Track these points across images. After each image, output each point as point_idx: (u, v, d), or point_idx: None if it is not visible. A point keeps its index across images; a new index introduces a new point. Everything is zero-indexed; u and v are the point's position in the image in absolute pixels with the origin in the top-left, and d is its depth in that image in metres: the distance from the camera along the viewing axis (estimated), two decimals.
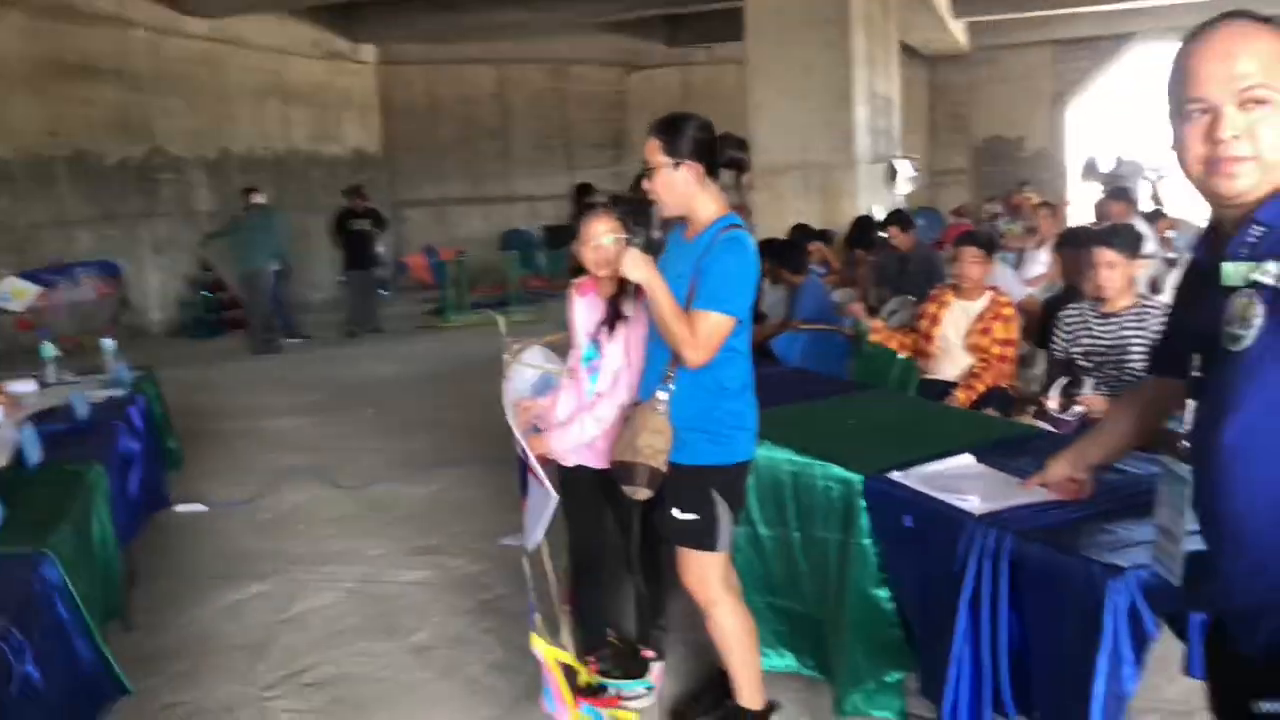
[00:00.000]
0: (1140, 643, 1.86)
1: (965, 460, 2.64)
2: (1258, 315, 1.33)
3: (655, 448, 2.63)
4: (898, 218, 7.04)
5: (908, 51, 18.32)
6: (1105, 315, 3.88)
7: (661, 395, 2.62)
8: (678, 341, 2.51)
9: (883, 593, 2.53)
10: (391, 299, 14.62)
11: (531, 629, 2.78)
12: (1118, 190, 8.07)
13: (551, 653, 2.77)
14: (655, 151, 2.58)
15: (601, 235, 2.84)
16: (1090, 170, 19.30)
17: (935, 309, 4.68)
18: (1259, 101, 1.35)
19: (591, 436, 2.85)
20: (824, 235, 7.91)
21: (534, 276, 14.87)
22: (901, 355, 4.59)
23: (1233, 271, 1.37)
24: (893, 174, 9.97)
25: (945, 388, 4.44)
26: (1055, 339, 4.02)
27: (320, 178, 15.39)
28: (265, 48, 14.49)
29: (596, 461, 2.89)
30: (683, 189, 2.58)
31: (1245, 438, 1.33)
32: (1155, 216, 8.70)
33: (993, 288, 4.67)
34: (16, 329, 11.18)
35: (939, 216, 17.93)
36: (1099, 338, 3.85)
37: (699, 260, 2.53)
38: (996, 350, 4.44)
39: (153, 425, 4.39)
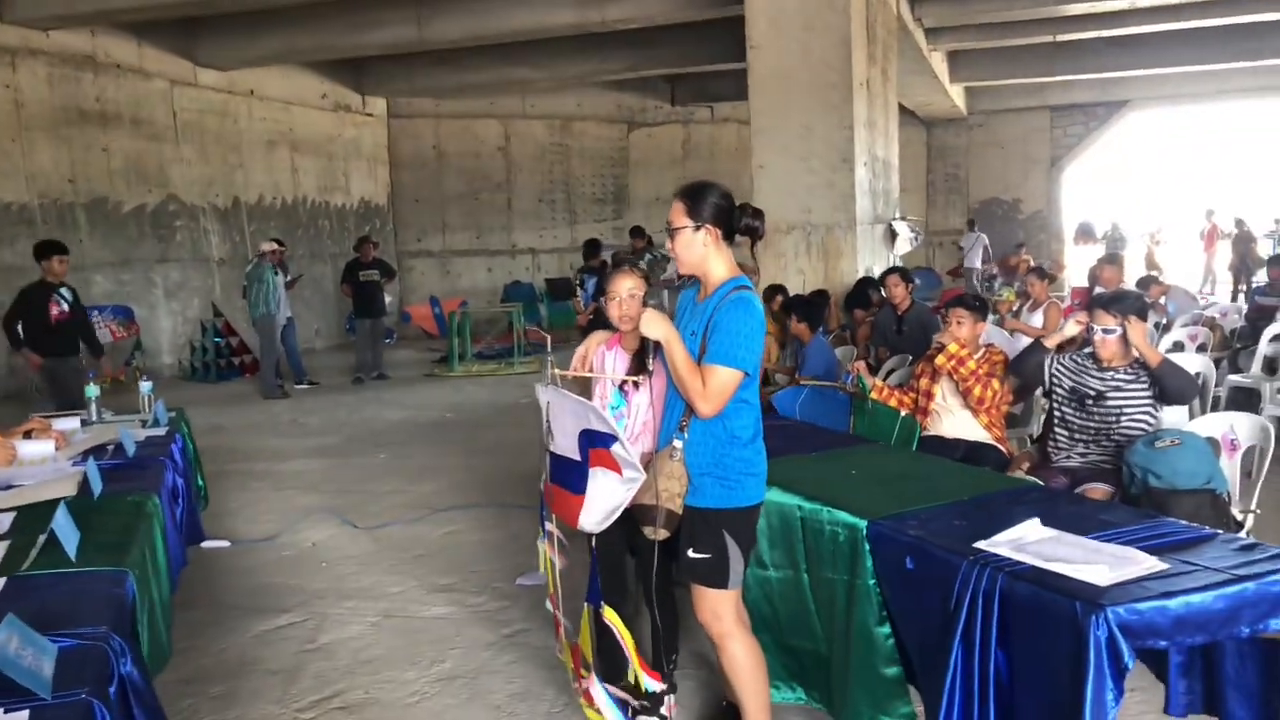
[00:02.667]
0: (1119, 673, 2.09)
1: (1035, 526, 2.62)
2: None
3: (671, 492, 2.88)
4: (898, 271, 7.32)
5: (906, 114, 18.89)
6: (1102, 369, 4.19)
7: (677, 443, 2.87)
8: (691, 394, 2.75)
9: (884, 630, 2.75)
10: (394, 347, 14.88)
11: (596, 606, 2.92)
12: (1111, 256, 8.40)
13: (621, 627, 2.89)
14: (680, 214, 2.85)
15: (626, 292, 3.11)
16: (1084, 234, 19.84)
17: (930, 367, 4.93)
18: None
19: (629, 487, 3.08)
20: (822, 295, 8.19)
21: (535, 328, 15.15)
22: (903, 413, 4.82)
23: None
24: (892, 236, 10.30)
25: (945, 446, 4.67)
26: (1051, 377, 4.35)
27: (328, 227, 15.74)
28: (276, 99, 14.93)
29: None
30: (700, 250, 2.85)
31: None
32: (1147, 282, 9.02)
33: (989, 344, 4.94)
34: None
35: (935, 276, 18.34)
36: (1088, 385, 4.16)
37: (710, 318, 2.79)
38: (968, 379, 4.69)
39: (189, 463, 4.60)
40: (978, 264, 18.83)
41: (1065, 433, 4.31)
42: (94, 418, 4.88)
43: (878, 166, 9.76)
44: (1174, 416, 4.57)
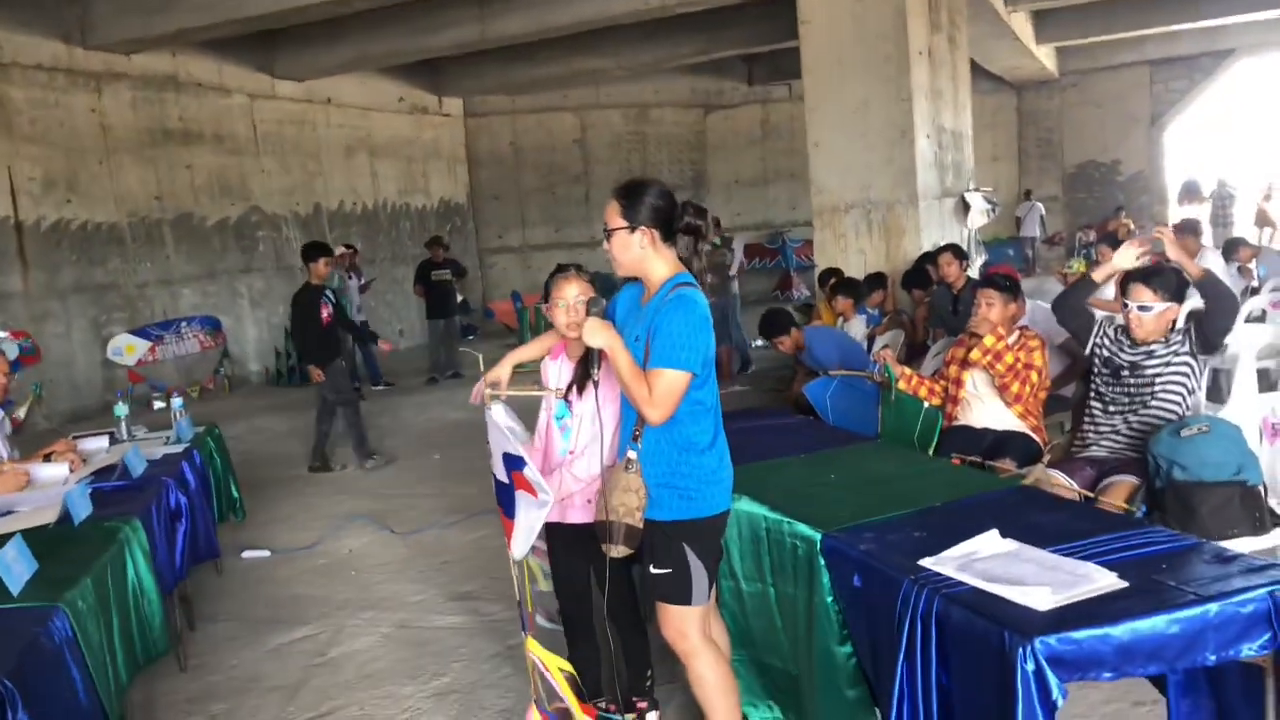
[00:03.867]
0: (1050, 708, 1.86)
1: (992, 539, 2.40)
2: None
3: (629, 505, 2.74)
4: (951, 248, 6.98)
5: (993, 80, 18.11)
6: (1135, 345, 3.91)
7: (631, 454, 2.73)
8: (638, 401, 2.61)
9: (845, 649, 2.56)
10: (475, 343, 15.03)
11: (525, 635, 2.87)
12: (1187, 223, 7.81)
13: (553, 660, 2.84)
14: (614, 214, 2.71)
15: (573, 298, 2.98)
16: (1190, 193, 18.68)
17: (964, 353, 4.65)
18: None
19: (565, 494, 2.96)
20: (879, 278, 7.88)
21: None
22: (930, 403, 4.54)
23: None
24: (965, 209, 9.86)
25: (972, 436, 4.39)
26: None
27: (409, 228, 15.99)
28: (353, 106, 15.20)
29: (576, 517, 3.00)
30: (637, 251, 2.71)
31: None
32: (1234, 245, 8.39)
33: (1022, 327, 4.62)
34: (128, 381, 11.93)
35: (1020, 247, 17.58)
36: (1122, 358, 3.88)
37: (652, 321, 2.64)
38: (1005, 375, 4.39)
39: (206, 479, 4.66)
40: (1035, 232, 18.10)
41: (1099, 406, 4.03)
42: (123, 436, 5.00)
43: (944, 138, 9.33)
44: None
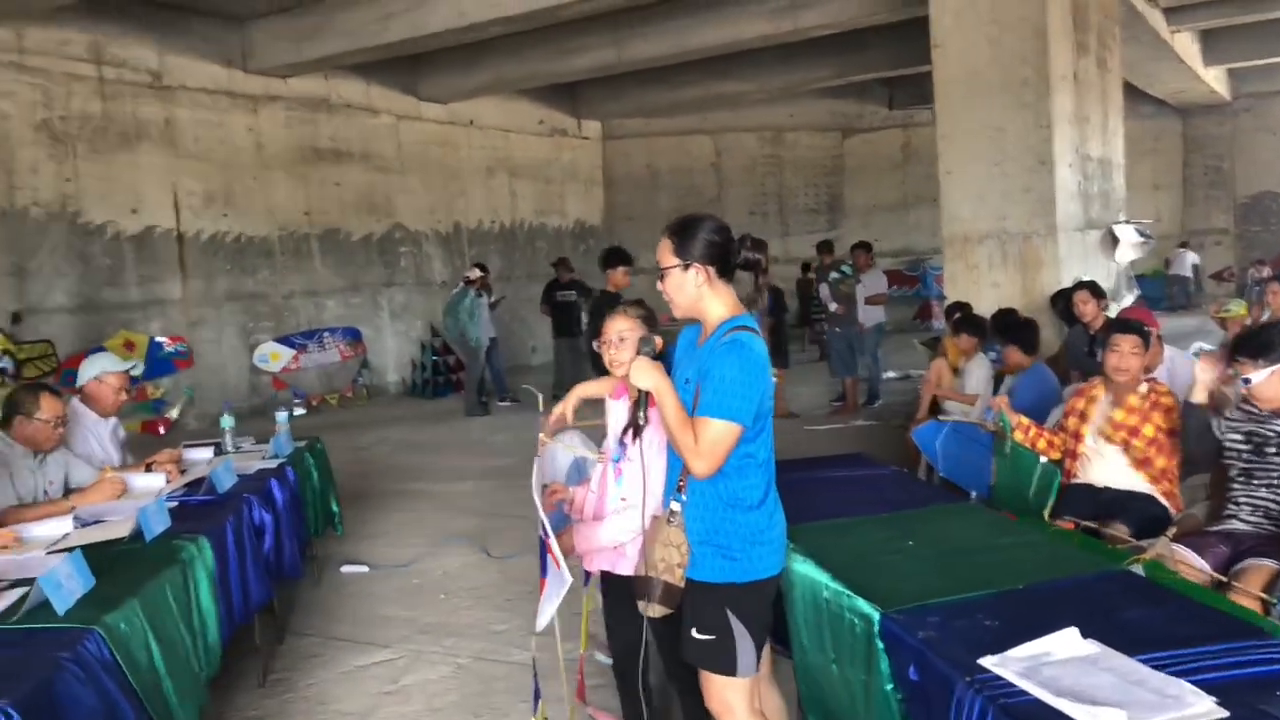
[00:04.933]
0: None
1: (1071, 639, 2.10)
2: None
3: (669, 562, 2.58)
4: (1088, 285, 6.51)
5: (1155, 103, 17.08)
6: (1271, 415, 3.46)
7: (675, 506, 2.57)
8: (683, 450, 2.46)
9: None
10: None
11: (533, 713, 2.77)
12: None
13: None
14: (666, 252, 2.57)
15: (616, 335, 2.85)
16: None
17: (1084, 405, 4.27)
18: None
19: (615, 543, 2.82)
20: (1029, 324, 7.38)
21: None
22: (1048, 457, 4.16)
23: None
24: (1114, 241, 9.25)
25: (1090, 496, 4.02)
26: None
27: (544, 248, 16.21)
28: (494, 127, 15.55)
29: (626, 569, 2.85)
30: (692, 290, 2.56)
31: None
32: None
33: (1151, 378, 4.22)
34: (273, 388, 12.49)
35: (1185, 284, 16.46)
36: (1264, 432, 3.45)
37: (704, 364, 2.47)
38: (1147, 450, 3.99)
39: (298, 496, 4.73)
40: (1186, 271, 16.91)
41: (1242, 482, 3.57)
42: (227, 448, 5.14)
43: (1090, 167, 8.78)
44: None
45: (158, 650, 2.78)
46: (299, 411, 12.26)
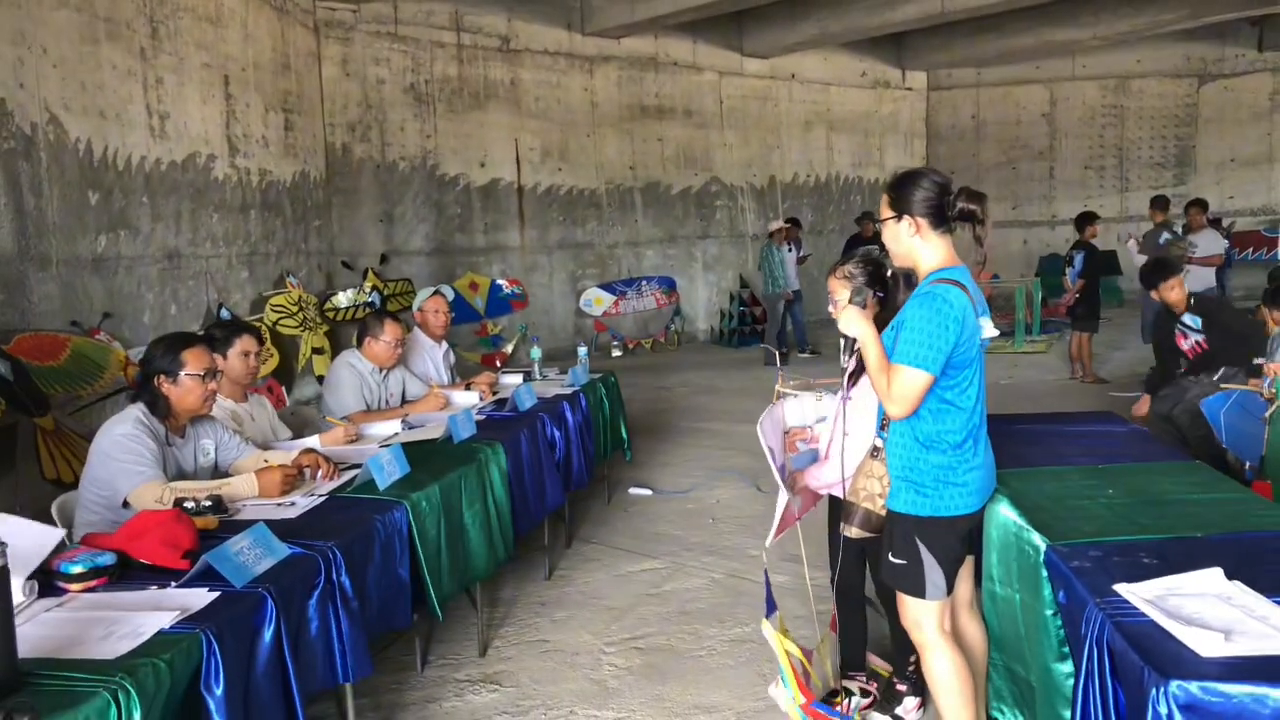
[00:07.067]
0: None
1: (1212, 577, 2.17)
2: None
3: (869, 491, 2.86)
4: None
5: None
6: None
7: (878, 442, 2.83)
8: (880, 394, 2.69)
9: (1063, 668, 2.45)
10: None
11: (767, 617, 3.12)
12: None
13: (782, 642, 3.07)
14: (885, 206, 2.77)
15: (838, 291, 3.10)
16: None
17: None
18: None
19: (838, 478, 3.10)
20: None
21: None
22: None
23: None
24: None
25: None
26: None
27: (859, 202, 16.18)
28: (816, 81, 15.66)
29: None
30: (905, 241, 2.73)
31: None
32: None
33: None
34: (594, 330, 13.61)
35: None
36: None
37: (902, 313, 2.68)
38: None
39: (589, 419, 5.38)
40: None
41: None
42: (536, 376, 5.92)
43: None
44: None
45: (444, 527, 3.46)
46: (616, 353, 13.30)
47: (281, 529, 2.72)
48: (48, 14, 5.93)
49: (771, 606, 3.19)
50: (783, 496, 3.30)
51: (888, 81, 16.58)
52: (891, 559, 2.81)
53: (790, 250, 12.43)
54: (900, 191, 2.75)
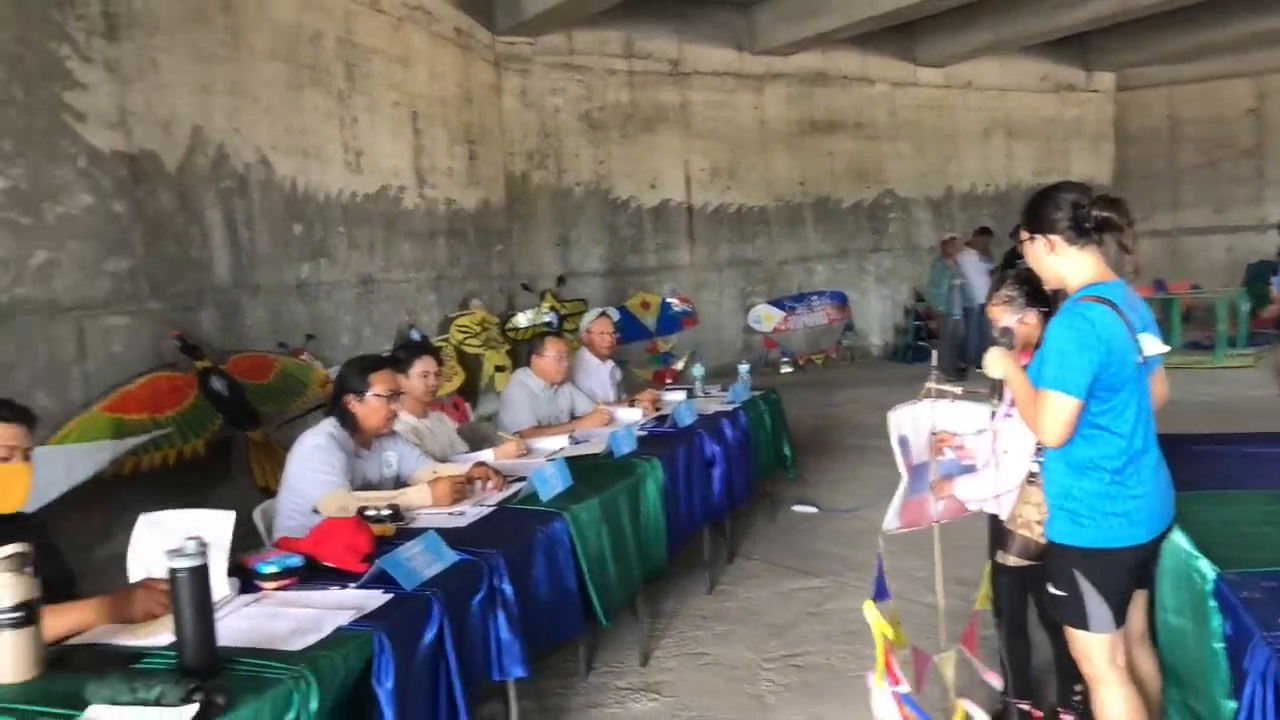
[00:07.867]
0: None
1: None
2: None
3: (1026, 518, 2.82)
4: None
5: None
6: None
7: (1033, 467, 2.77)
8: (1029, 424, 2.62)
9: (1231, 704, 2.34)
10: None
11: (875, 600, 3.07)
12: None
13: (880, 625, 2.99)
14: (1024, 228, 2.72)
15: (1000, 319, 3.05)
16: None
17: None
18: None
19: (990, 494, 3.05)
20: None
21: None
22: None
23: None
24: None
25: None
26: None
27: None
28: (992, 88, 15.18)
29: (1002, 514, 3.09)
30: (1046, 261, 2.65)
31: None
32: None
33: None
34: (764, 346, 13.63)
35: None
36: None
37: (1046, 334, 2.62)
38: None
39: (749, 436, 5.44)
40: None
41: None
42: (698, 392, 6.03)
43: None
44: None
45: (607, 537, 3.61)
46: (786, 369, 13.26)
47: (452, 536, 2.94)
48: (261, 65, 6.53)
49: (883, 594, 3.14)
50: (903, 485, 3.36)
51: (1071, 84, 15.87)
52: (1052, 590, 2.72)
53: (983, 261, 12.10)
54: (1032, 211, 2.67)
